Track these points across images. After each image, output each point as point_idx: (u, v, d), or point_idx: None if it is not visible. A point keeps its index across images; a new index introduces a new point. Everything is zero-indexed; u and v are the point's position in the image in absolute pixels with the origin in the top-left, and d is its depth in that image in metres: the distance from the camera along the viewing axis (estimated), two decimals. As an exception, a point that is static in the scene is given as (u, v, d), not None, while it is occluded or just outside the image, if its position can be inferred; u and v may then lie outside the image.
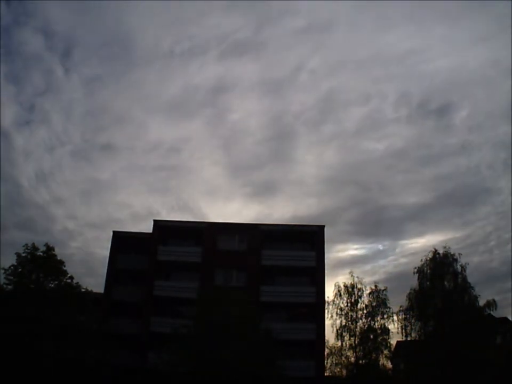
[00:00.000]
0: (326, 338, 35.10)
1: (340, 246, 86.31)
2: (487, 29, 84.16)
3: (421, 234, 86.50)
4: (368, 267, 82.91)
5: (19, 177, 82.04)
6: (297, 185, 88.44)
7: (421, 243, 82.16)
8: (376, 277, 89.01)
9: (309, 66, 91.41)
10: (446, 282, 32.92)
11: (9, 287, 29.90)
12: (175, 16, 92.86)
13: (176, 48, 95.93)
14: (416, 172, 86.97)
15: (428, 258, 33.84)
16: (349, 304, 35.32)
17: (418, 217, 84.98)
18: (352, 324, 34.91)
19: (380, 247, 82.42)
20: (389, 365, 38.50)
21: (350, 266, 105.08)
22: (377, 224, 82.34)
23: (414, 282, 33.60)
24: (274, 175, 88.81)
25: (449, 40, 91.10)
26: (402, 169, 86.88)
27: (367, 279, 35.35)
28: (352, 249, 79.81)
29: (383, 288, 35.34)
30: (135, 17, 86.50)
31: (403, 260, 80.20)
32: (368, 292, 35.43)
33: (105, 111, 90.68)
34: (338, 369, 35.64)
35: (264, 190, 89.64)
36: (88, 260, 76.00)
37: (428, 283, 33.15)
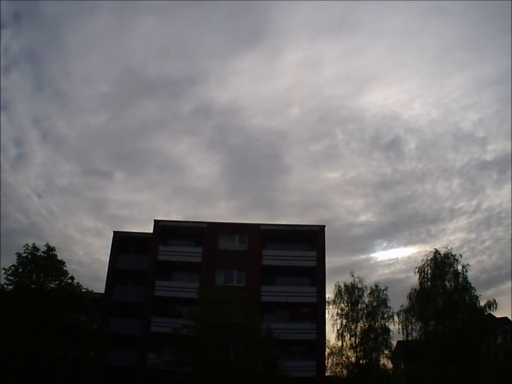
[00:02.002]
0: (327, 338, 35.15)
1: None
2: (431, 74, 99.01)
3: (392, 247, 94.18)
4: (350, 277, 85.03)
5: (30, 190, 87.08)
6: (268, 208, 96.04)
7: (395, 254, 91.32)
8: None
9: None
10: (446, 282, 32.82)
11: (10, 287, 29.83)
12: (179, 47, 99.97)
13: (179, 76, 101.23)
14: (373, 195, 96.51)
15: (429, 259, 33.70)
16: (349, 304, 35.30)
17: (385, 234, 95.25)
18: (352, 323, 34.88)
19: (355, 259, 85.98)
20: (390, 364, 38.60)
21: (329, 277, 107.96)
22: (347, 240, 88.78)
23: (402, 287, 33.72)
24: (247, 199, 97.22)
25: (397, 85, 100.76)
26: (360, 194, 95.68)
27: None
28: (327, 262, 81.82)
29: (383, 288, 35.39)
30: (142, 52, 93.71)
31: (381, 271, 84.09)
32: (368, 292, 35.47)
33: (111, 134, 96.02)
34: (339, 369, 35.68)
35: (239, 214, 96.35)
36: (94, 265, 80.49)
37: (429, 283, 33.07)
